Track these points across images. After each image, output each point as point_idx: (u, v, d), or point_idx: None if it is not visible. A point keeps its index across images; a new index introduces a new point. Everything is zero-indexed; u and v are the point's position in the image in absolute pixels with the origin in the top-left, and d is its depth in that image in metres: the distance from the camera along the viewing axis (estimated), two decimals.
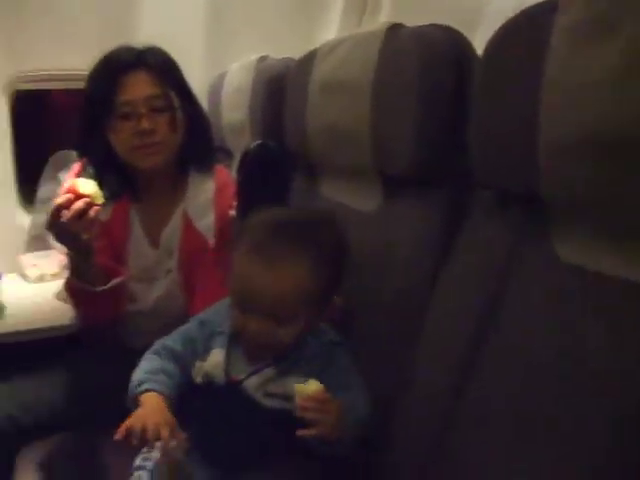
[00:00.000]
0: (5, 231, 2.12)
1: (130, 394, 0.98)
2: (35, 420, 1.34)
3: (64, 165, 2.00)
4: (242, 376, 0.97)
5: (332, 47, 1.22)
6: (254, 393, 0.96)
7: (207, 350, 1.02)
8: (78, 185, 1.19)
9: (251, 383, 0.97)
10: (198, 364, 1.02)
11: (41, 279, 1.86)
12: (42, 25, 2.00)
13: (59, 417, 1.35)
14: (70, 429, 1.34)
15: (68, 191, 1.19)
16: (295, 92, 1.37)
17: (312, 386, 0.89)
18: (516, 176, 0.77)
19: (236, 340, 1.00)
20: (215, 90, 2.00)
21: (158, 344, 1.06)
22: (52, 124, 2.62)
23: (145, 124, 1.34)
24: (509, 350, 0.76)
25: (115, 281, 1.38)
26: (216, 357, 1.00)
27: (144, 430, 0.87)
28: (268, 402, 0.96)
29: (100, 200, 1.21)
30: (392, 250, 1.04)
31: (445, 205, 0.98)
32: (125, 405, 0.98)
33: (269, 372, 0.97)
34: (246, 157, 1.54)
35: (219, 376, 0.99)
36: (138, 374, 1.00)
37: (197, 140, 1.48)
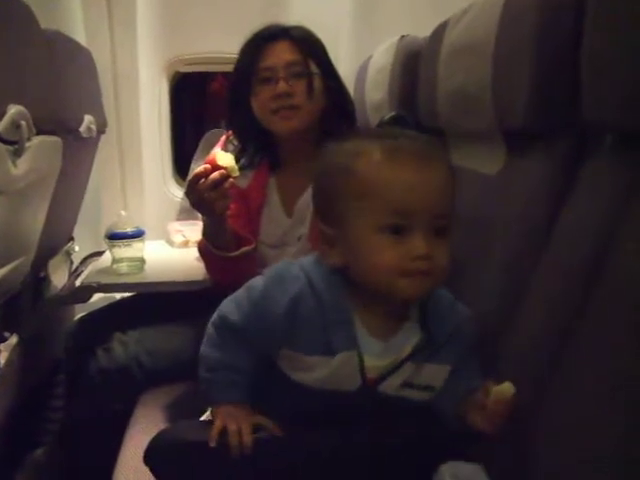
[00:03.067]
0: (160, 202, 2.29)
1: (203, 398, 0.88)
2: (159, 366, 1.42)
3: (216, 144, 2.12)
4: (376, 374, 0.82)
5: (462, 13, 1.20)
6: (393, 392, 0.84)
7: (327, 344, 0.81)
8: (217, 157, 1.26)
9: (391, 384, 0.83)
10: (311, 360, 0.81)
11: (185, 245, 1.96)
12: (200, 11, 2.15)
13: (183, 366, 1.42)
14: (192, 379, 1.41)
15: (207, 162, 1.26)
16: (427, 63, 1.36)
17: (509, 391, 0.77)
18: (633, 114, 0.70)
19: (355, 305, 0.82)
20: (361, 74, 2.02)
21: (220, 318, 0.86)
22: (209, 105, 2.78)
23: (283, 87, 1.40)
24: (619, 300, 0.69)
25: (244, 249, 1.44)
26: (347, 361, 0.81)
27: (240, 432, 0.79)
28: (408, 393, 0.84)
29: (236, 173, 1.28)
30: (509, 207, 1.00)
31: (563, 156, 0.92)
32: None
33: (409, 368, 0.83)
34: (380, 127, 1.55)
35: (352, 382, 0.82)
36: (203, 371, 0.86)
37: (336, 111, 1.51)
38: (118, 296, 1.90)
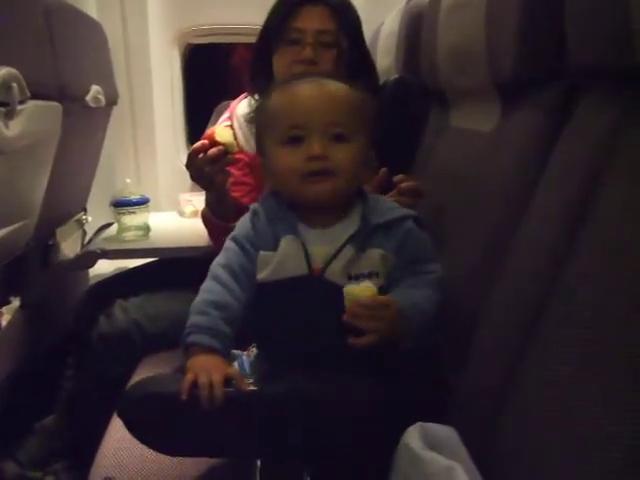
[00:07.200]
0: (173, 174, 2.30)
1: (182, 338, 0.89)
2: (159, 330, 1.43)
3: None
4: (321, 264, 0.90)
5: None
6: (339, 279, 0.89)
7: (276, 239, 0.92)
8: (216, 133, 1.25)
9: (334, 269, 0.89)
10: (264, 255, 0.92)
11: (194, 215, 1.96)
12: None
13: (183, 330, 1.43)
14: None
15: (206, 137, 1.25)
16: (428, 24, 1.33)
17: (364, 291, 0.83)
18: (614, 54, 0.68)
19: (296, 211, 0.93)
20: (373, 41, 1.99)
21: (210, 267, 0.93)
22: (223, 76, 2.77)
23: (308, 53, 1.35)
24: (602, 242, 0.67)
25: None
26: (290, 245, 0.91)
27: (210, 383, 0.79)
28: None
29: (234, 149, 1.27)
30: (502, 160, 0.98)
31: (552, 106, 0.89)
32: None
33: (348, 252, 0.90)
34: (383, 91, 1.52)
35: (298, 267, 0.90)
36: (192, 316, 0.89)
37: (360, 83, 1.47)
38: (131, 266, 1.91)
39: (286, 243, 0.91)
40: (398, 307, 0.85)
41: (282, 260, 0.91)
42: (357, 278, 0.89)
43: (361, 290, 0.84)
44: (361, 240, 0.91)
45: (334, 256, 0.90)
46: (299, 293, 0.90)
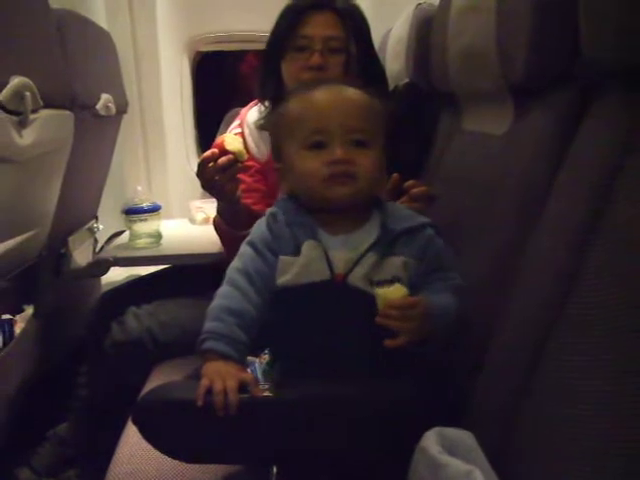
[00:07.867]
0: (184, 181, 2.30)
1: (198, 344, 0.89)
2: (172, 337, 1.43)
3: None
4: (343, 270, 0.89)
5: None
6: (361, 285, 0.89)
7: (296, 244, 0.91)
8: (225, 141, 1.25)
9: (356, 275, 0.89)
10: (285, 259, 0.91)
11: (206, 222, 1.96)
12: None
13: (196, 337, 1.43)
14: None
15: (215, 146, 1.25)
16: (438, 28, 1.33)
17: (396, 292, 0.84)
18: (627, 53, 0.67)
19: (316, 219, 0.93)
20: (382, 47, 1.99)
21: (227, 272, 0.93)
22: (232, 84, 2.77)
23: (316, 59, 1.35)
24: (617, 254, 0.66)
25: None
26: (312, 250, 0.90)
27: (225, 390, 0.79)
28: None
29: (244, 157, 1.26)
30: (513, 165, 0.97)
31: (565, 110, 0.89)
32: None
33: (370, 258, 0.90)
34: (394, 96, 1.52)
35: (321, 272, 0.89)
36: (208, 322, 0.89)
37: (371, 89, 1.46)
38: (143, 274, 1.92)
39: (308, 248, 0.91)
40: (425, 307, 0.85)
41: (306, 264, 0.90)
42: (379, 284, 0.88)
43: (392, 291, 0.85)
44: (383, 247, 0.91)
45: (356, 262, 0.90)
46: (321, 298, 0.90)
